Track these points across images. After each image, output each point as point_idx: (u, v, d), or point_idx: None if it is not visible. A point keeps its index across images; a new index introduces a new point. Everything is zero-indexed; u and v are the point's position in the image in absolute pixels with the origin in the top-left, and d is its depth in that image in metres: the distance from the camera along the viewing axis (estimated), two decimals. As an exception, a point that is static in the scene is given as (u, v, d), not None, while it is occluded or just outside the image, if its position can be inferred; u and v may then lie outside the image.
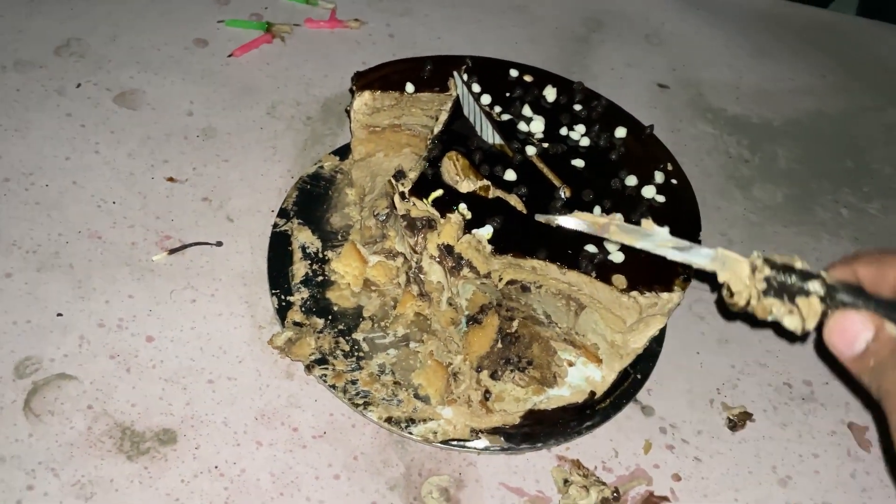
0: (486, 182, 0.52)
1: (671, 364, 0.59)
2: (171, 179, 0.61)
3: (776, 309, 0.37)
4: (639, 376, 0.56)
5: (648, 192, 0.54)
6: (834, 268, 0.38)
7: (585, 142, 0.57)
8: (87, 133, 0.63)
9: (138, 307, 0.54)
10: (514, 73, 0.61)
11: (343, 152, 0.65)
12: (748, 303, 0.38)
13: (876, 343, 0.35)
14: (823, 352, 0.56)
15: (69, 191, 0.59)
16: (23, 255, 0.54)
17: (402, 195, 0.52)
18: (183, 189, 0.61)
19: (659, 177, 0.55)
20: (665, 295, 0.48)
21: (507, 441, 0.51)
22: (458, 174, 0.52)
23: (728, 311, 0.48)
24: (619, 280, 0.48)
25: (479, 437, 0.51)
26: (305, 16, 0.78)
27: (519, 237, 0.50)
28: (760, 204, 0.73)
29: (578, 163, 0.55)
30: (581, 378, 0.54)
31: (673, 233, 0.51)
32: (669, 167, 0.57)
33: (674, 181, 0.56)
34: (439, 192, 0.51)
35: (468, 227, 0.50)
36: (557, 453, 0.52)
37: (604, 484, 0.50)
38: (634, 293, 0.48)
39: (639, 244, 0.41)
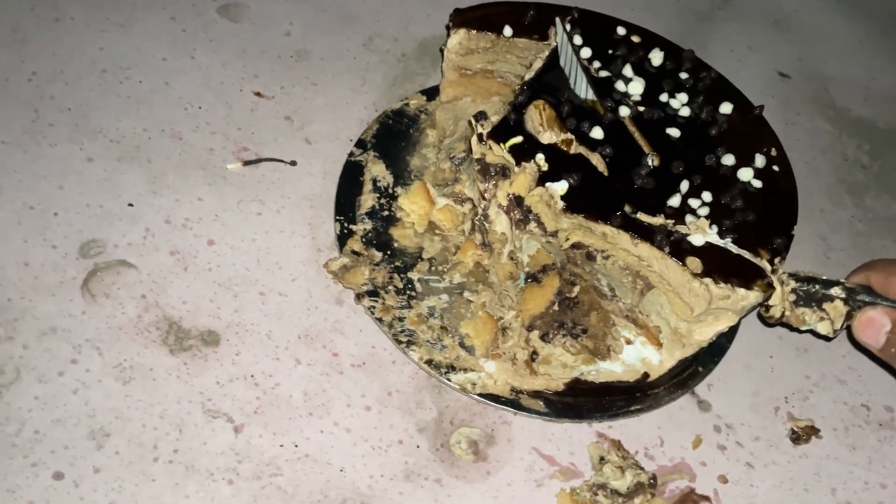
0: (569, 136, 0.49)
1: (739, 363, 0.55)
2: (258, 94, 0.61)
3: (808, 317, 0.45)
4: (700, 368, 0.52)
5: (745, 174, 0.50)
6: (851, 275, 0.45)
7: (685, 112, 0.53)
8: (187, 38, 0.63)
9: (205, 210, 0.54)
10: (621, 30, 0.58)
11: (431, 93, 0.64)
12: (783, 314, 0.45)
13: (893, 332, 0.41)
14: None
15: (160, 90, 0.60)
16: (106, 143, 0.56)
17: (480, 137, 0.49)
18: (268, 105, 0.61)
19: (759, 160, 0.51)
20: (741, 291, 0.44)
21: (548, 407, 0.49)
22: (542, 124, 0.50)
23: (767, 322, 0.48)
24: (694, 263, 0.45)
25: (519, 398, 0.49)
26: (419, -46, 0.76)
27: (595, 199, 0.47)
28: (872, 214, 0.67)
29: (674, 132, 0.51)
30: (637, 358, 0.51)
31: (763, 221, 0.48)
32: (773, 152, 0.52)
33: (775, 168, 0.52)
34: (518, 139, 0.49)
35: (543, 179, 0.47)
36: (599, 430, 0.50)
37: (641, 469, 0.47)
38: (707, 280, 0.44)
39: None
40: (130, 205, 0.53)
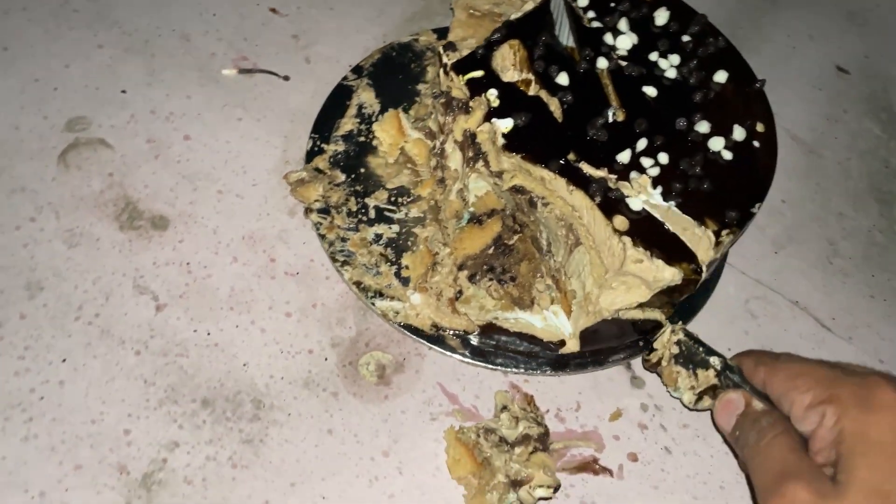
0: (529, 76, 0.47)
1: (690, 349, 0.51)
2: (273, 10, 0.63)
3: (681, 380, 0.43)
4: (641, 343, 0.50)
5: (716, 144, 0.47)
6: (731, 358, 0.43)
7: (672, 73, 0.50)
8: (222, -50, 0.66)
9: (191, 108, 0.56)
10: (633, -14, 0.55)
11: (444, 33, 0.63)
12: (660, 362, 0.44)
13: (742, 416, 0.40)
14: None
15: (182, -6, 0.63)
16: (119, 35, 0.59)
17: (445, 68, 0.49)
18: (280, 22, 0.63)
19: (739, 133, 0.47)
20: (658, 262, 0.41)
21: (464, 346, 0.48)
22: (511, 63, 0.48)
23: (644, 364, 0.47)
24: (621, 222, 0.42)
25: (440, 334, 0.49)
26: None
27: (539, 142, 0.45)
28: (897, 228, 0.60)
29: (651, 91, 0.49)
30: (561, 321, 0.49)
31: (719, 193, 0.45)
32: (759, 128, 0.48)
33: (755, 143, 0.48)
34: (478, 74, 0.48)
35: (491, 115, 0.46)
36: (514, 381, 0.48)
37: (538, 424, 0.45)
38: (626, 239, 0.41)
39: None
40: (124, 91, 0.56)
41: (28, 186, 0.51)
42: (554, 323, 0.49)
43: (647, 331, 0.48)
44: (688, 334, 0.44)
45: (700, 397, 0.43)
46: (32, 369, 0.44)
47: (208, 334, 0.47)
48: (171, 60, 0.58)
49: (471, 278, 0.49)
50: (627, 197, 0.43)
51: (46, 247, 0.49)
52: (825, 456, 0.36)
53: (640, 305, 0.44)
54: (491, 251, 0.49)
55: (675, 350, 0.44)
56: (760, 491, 0.37)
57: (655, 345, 0.45)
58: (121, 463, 0.42)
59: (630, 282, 0.42)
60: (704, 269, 0.42)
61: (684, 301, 0.47)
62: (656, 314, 0.46)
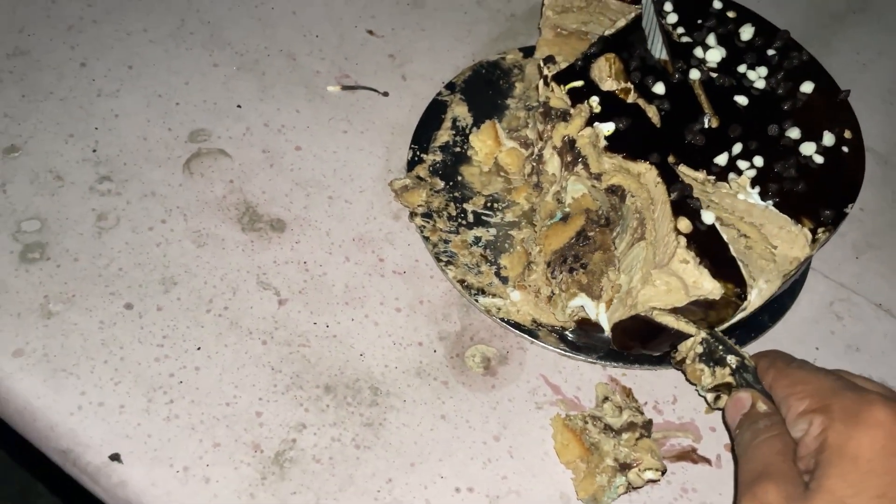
0: (628, 85, 0.51)
1: (781, 346, 0.53)
2: (370, 32, 0.68)
3: (705, 377, 0.44)
4: (733, 340, 0.52)
5: (807, 148, 0.49)
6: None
7: (761, 84, 0.53)
8: (320, -23, 0.71)
9: (300, 121, 0.61)
10: (717, 4, 0.58)
11: (528, 52, 0.67)
12: (684, 360, 0.46)
13: (745, 416, 0.41)
14: None
15: (287, 17, 0.67)
16: (231, 54, 0.64)
17: (545, 79, 0.52)
18: (376, 42, 0.67)
19: (828, 139, 0.50)
20: (703, 270, 0.43)
21: (563, 342, 0.51)
22: (608, 75, 0.52)
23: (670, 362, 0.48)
24: (686, 225, 0.44)
25: (539, 329, 0.51)
26: (551, -72, 0.79)
27: (639, 144, 0.48)
28: (976, 234, 0.62)
29: (742, 99, 0.51)
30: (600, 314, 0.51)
31: (813, 193, 0.47)
32: (847, 134, 0.51)
33: (844, 149, 0.50)
34: (579, 83, 0.51)
35: (593, 120, 0.49)
36: (612, 375, 0.51)
37: (641, 413, 0.48)
38: (682, 239, 0.43)
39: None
40: (239, 106, 0.61)
41: (157, 191, 0.55)
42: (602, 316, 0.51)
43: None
44: (712, 334, 0.45)
45: (718, 396, 0.44)
46: (171, 356, 0.48)
47: (327, 326, 0.51)
48: (279, 78, 0.63)
49: (552, 273, 0.51)
50: (704, 209, 0.45)
51: (177, 246, 0.53)
52: (806, 463, 0.37)
53: (676, 311, 0.45)
54: (571, 243, 0.51)
55: (700, 349, 0.45)
56: (739, 487, 0.38)
57: (680, 345, 0.46)
58: (255, 442, 0.46)
59: (672, 283, 0.44)
60: (749, 298, 0.44)
61: (774, 300, 0.49)
62: (689, 327, 0.46)
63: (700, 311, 0.45)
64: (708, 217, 0.45)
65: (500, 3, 0.72)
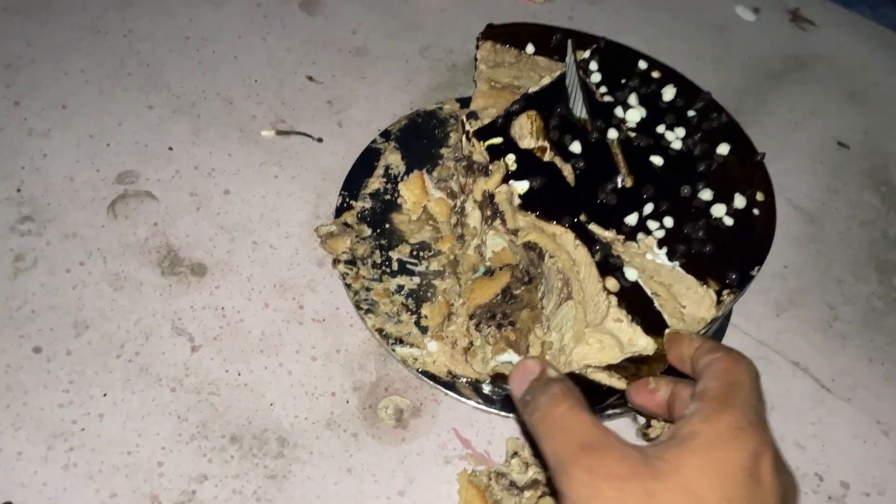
0: (544, 143, 0.52)
1: (695, 404, 0.54)
2: (310, 78, 0.68)
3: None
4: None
5: (718, 210, 0.50)
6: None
7: (678, 145, 0.54)
8: (265, 23, 0.72)
9: (231, 165, 0.61)
10: (643, 64, 0.59)
11: (467, 102, 0.67)
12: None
13: (535, 381, 0.37)
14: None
15: (227, 61, 0.68)
16: (168, 96, 0.64)
17: (467, 134, 0.53)
18: (315, 89, 0.68)
19: (739, 201, 0.51)
20: (636, 327, 0.43)
21: (478, 395, 0.51)
22: (528, 132, 0.53)
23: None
24: (613, 283, 0.45)
25: (455, 381, 0.51)
26: (498, -20, 0.81)
27: (553, 203, 0.49)
28: (896, 295, 0.63)
29: (657, 160, 0.52)
30: None
31: (721, 255, 0.48)
32: (759, 197, 0.52)
33: (755, 211, 0.51)
34: (498, 140, 0.52)
35: (509, 178, 0.50)
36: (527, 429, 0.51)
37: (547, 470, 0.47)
38: (613, 298, 0.44)
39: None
40: (170, 148, 0.61)
41: (79, 233, 0.55)
42: None
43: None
44: None
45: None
46: (75, 402, 0.48)
47: (239, 374, 0.50)
48: (214, 121, 0.63)
49: (477, 326, 0.52)
50: (625, 265, 0.46)
51: (93, 289, 0.53)
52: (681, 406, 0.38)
53: (609, 368, 0.45)
54: (498, 300, 0.52)
55: None
56: (560, 459, 0.34)
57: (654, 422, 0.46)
58: (153, 493, 0.45)
59: (605, 341, 0.44)
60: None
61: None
62: (621, 383, 0.45)
63: (633, 366, 0.45)
64: (631, 273, 0.46)
65: (442, 53, 0.73)
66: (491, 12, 0.78)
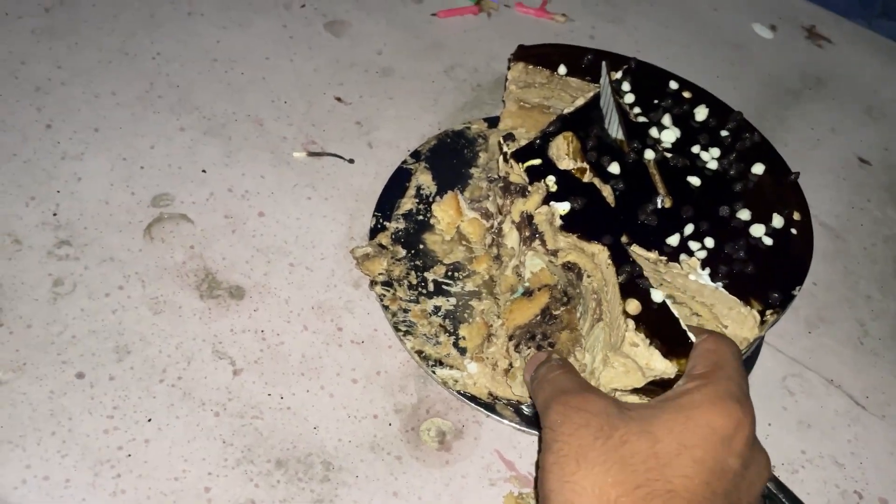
0: (584, 164, 0.52)
1: (733, 423, 0.54)
2: (338, 99, 0.69)
3: None
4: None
5: (757, 230, 0.51)
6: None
7: (714, 165, 0.54)
8: (291, 44, 0.72)
9: (264, 187, 0.61)
10: (674, 85, 0.60)
11: (493, 122, 0.68)
12: None
13: (541, 362, 0.43)
14: None
15: (256, 82, 0.68)
16: (199, 118, 0.64)
17: (505, 156, 0.53)
18: (344, 109, 0.68)
19: (777, 221, 0.52)
20: (654, 351, 0.43)
21: (519, 416, 0.51)
22: (566, 153, 0.53)
23: None
24: (634, 306, 0.44)
25: (496, 402, 0.51)
26: (518, 0, 0.82)
27: (593, 224, 0.49)
28: (924, 310, 0.64)
29: (695, 181, 0.53)
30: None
31: (762, 275, 0.48)
32: (796, 216, 0.53)
33: (793, 231, 0.52)
34: (536, 162, 0.52)
35: (549, 199, 0.51)
36: (567, 451, 0.51)
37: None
38: (630, 322, 0.44)
39: None
40: (204, 171, 0.61)
41: (116, 257, 0.55)
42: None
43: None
44: (776, 482, 0.44)
45: None
46: (121, 428, 0.47)
47: (281, 398, 0.50)
48: (246, 143, 0.64)
49: (516, 347, 0.52)
50: (653, 287, 0.45)
51: (133, 313, 0.53)
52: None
53: (637, 392, 0.45)
54: (537, 321, 0.52)
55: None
56: (545, 403, 0.39)
57: None
58: (202, 519, 0.45)
59: (628, 365, 0.44)
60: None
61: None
62: None
63: (660, 390, 0.45)
64: (657, 296, 0.45)
65: (466, 73, 0.74)
66: (513, 31, 0.79)
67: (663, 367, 0.43)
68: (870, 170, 0.74)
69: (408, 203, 0.62)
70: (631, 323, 0.43)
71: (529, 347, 0.50)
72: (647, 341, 0.43)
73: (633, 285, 0.46)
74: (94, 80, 0.65)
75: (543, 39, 0.79)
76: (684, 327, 0.44)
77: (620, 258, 0.47)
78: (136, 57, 0.68)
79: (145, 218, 0.58)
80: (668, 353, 0.43)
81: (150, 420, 0.48)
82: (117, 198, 0.58)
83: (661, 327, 0.44)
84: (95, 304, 0.52)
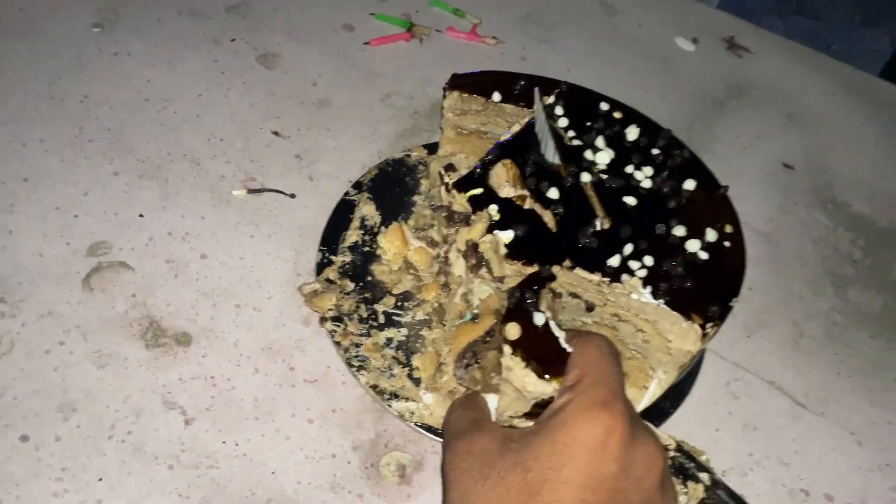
0: (524, 192, 0.53)
1: (681, 431, 0.55)
2: (275, 133, 0.68)
3: (679, 497, 0.44)
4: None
5: (693, 245, 0.53)
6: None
7: (648, 184, 0.56)
8: (224, 79, 0.72)
9: (205, 228, 0.60)
10: (604, 106, 0.62)
11: (433, 148, 0.69)
12: None
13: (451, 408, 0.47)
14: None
15: (190, 121, 0.67)
16: (134, 161, 0.63)
17: (447, 186, 0.54)
18: (282, 143, 0.68)
19: (711, 235, 0.54)
20: (529, 374, 0.42)
21: (477, 443, 0.52)
22: (506, 180, 0.54)
23: None
24: (513, 331, 0.44)
25: (453, 431, 0.52)
26: (449, 24, 0.83)
27: (537, 249, 0.50)
28: (853, 307, 0.67)
29: (630, 200, 0.55)
30: None
31: (701, 290, 0.50)
32: (728, 229, 0.55)
33: (726, 244, 0.54)
34: (478, 191, 0.53)
35: (493, 228, 0.51)
36: (525, 473, 0.52)
37: None
38: (506, 347, 0.44)
39: None
40: (141, 216, 0.60)
41: (55, 311, 0.54)
42: None
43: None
44: (681, 450, 0.45)
45: None
46: (70, 490, 0.46)
47: (237, 445, 0.50)
48: (183, 184, 0.63)
49: (454, 373, 0.52)
50: (535, 311, 0.45)
51: (76, 368, 0.51)
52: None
53: (527, 416, 0.44)
54: (476, 342, 0.52)
55: (668, 462, 0.44)
56: (443, 447, 0.42)
57: None
58: (162, 577, 0.44)
59: (513, 390, 0.44)
60: (650, 388, 0.47)
61: (674, 386, 0.52)
62: None
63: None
64: (539, 318, 0.45)
65: (403, 100, 0.75)
66: (446, 56, 0.80)
67: (541, 388, 0.43)
68: (794, 174, 0.77)
69: (353, 235, 0.62)
70: (507, 348, 0.44)
71: (459, 368, 0.50)
72: (523, 364, 0.43)
73: (519, 309, 0.46)
74: (20, 128, 0.63)
75: (476, 63, 0.80)
76: (563, 344, 0.43)
77: (524, 283, 0.47)
78: (64, 101, 0.66)
79: (83, 268, 0.56)
80: (545, 373, 0.42)
81: (101, 479, 0.47)
82: (52, 249, 0.57)
83: (542, 349, 0.43)
84: (36, 363, 0.51)
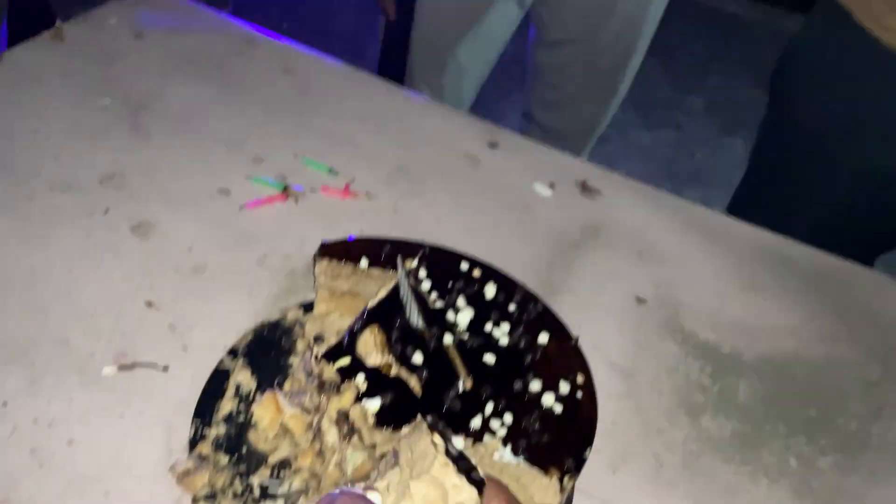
0: (389, 360, 0.56)
1: None
2: (149, 304, 0.69)
3: None
4: None
5: (548, 399, 0.57)
6: None
7: (505, 340, 0.61)
8: (96, 253, 0.72)
9: (73, 412, 0.60)
10: (464, 266, 0.67)
11: (310, 307, 0.72)
12: None
13: None
14: None
15: (60, 299, 0.67)
16: (-3, 346, 0.62)
17: (316, 357, 0.57)
18: (156, 314, 0.69)
19: (564, 387, 0.58)
20: (460, 477, 0.43)
21: None
22: (373, 347, 0.57)
23: None
24: (438, 438, 0.45)
25: None
26: (323, 183, 0.88)
27: (405, 416, 0.53)
28: (706, 434, 0.72)
29: (490, 358, 0.59)
30: None
31: (557, 444, 0.54)
32: (580, 380, 0.59)
33: (578, 395, 0.58)
34: (346, 361, 0.56)
35: (361, 397, 0.54)
36: None
37: None
38: (441, 447, 0.45)
39: None
40: (4, 404, 0.59)
41: None
42: None
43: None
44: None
45: None
46: None
47: None
48: (51, 367, 0.62)
49: None
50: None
51: (-75, 583, 0.48)
52: None
53: None
54: None
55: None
56: None
57: None
58: None
59: (430, 495, 0.44)
60: None
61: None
62: None
63: None
64: (459, 443, 0.49)
65: (279, 260, 0.77)
66: (321, 213, 0.84)
67: (468, 493, 0.44)
68: (647, 308, 0.85)
69: (228, 405, 0.63)
70: (442, 447, 0.45)
71: None
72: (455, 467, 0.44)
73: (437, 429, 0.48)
74: None
75: (350, 218, 0.85)
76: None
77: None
78: (-77, 286, 0.65)
79: (-63, 468, 0.54)
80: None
81: None
82: None
83: (463, 466, 0.44)
84: None
